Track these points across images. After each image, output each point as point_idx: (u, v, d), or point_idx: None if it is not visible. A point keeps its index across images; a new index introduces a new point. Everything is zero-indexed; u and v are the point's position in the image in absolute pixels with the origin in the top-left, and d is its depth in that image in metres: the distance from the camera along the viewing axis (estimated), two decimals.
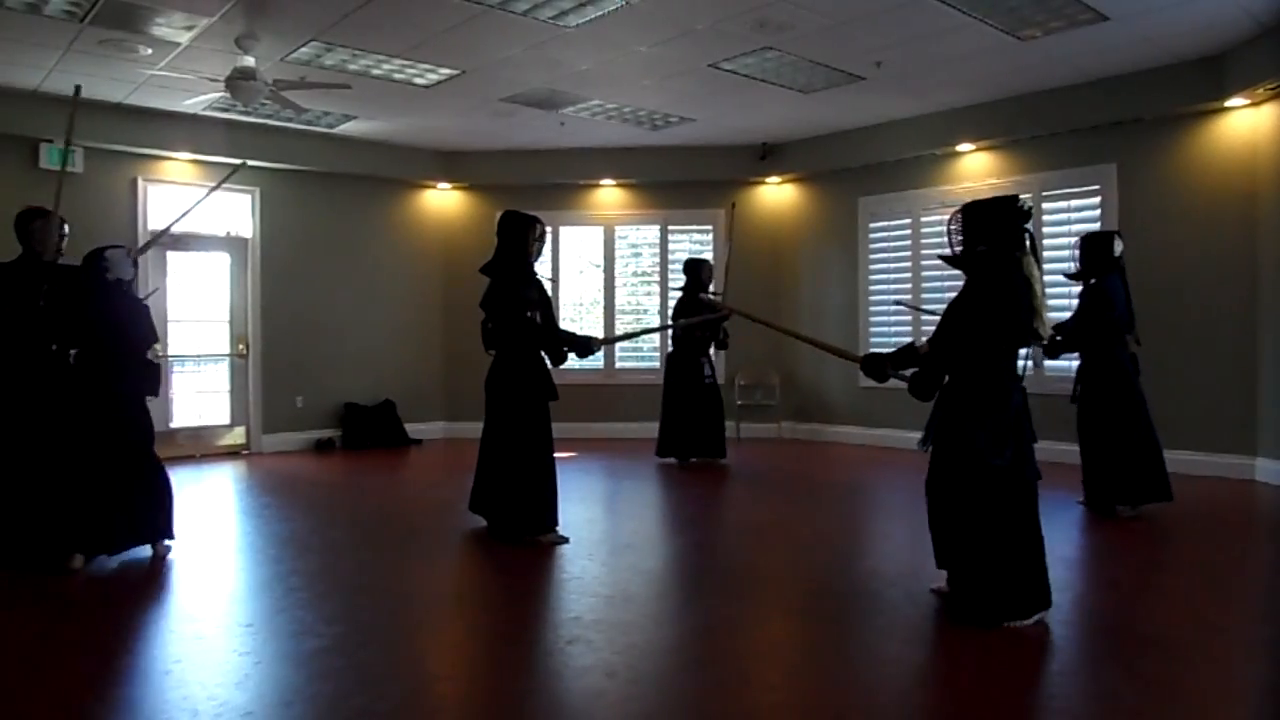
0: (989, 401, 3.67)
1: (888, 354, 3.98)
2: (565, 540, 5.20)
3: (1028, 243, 3.74)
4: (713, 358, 8.39)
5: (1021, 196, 3.93)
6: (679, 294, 8.46)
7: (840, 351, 4.57)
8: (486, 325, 5.55)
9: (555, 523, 5.29)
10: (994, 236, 3.72)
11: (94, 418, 4.71)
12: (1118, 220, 7.75)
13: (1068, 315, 6.04)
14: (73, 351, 4.89)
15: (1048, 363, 6.84)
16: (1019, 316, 3.67)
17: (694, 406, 8.14)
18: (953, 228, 3.86)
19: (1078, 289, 6.09)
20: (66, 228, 5.19)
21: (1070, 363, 6.21)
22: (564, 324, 10.66)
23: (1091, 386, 5.82)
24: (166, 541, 4.96)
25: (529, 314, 5.26)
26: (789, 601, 4.31)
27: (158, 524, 4.89)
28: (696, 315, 7.81)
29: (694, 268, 8.31)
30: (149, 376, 4.99)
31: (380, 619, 3.91)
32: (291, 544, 5.32)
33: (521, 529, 5.20)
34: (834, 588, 4.37)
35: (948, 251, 3.90)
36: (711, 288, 8.28)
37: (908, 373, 3.86)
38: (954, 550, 3.80)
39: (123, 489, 4.71)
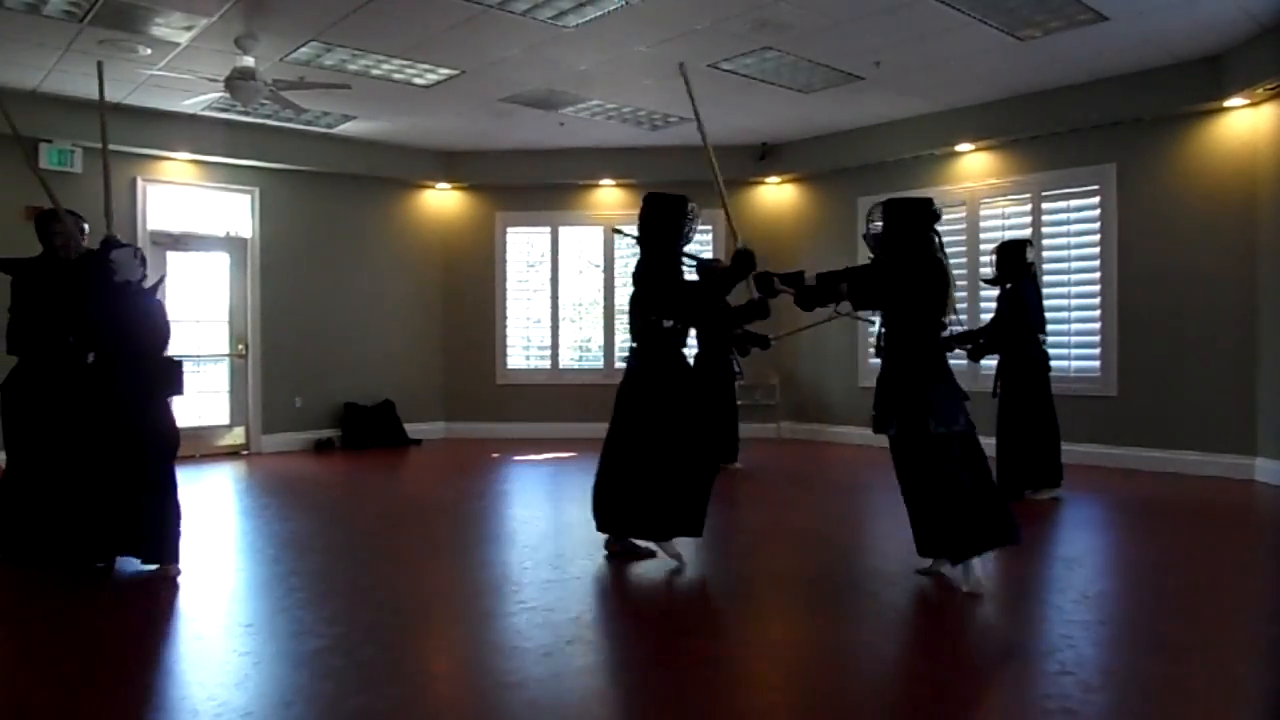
0: (936, 375, 4.15)
1: (777, 273, 4.64)
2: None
3: (937, 241, 4.27)
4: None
5: (932, 198, 4.61)
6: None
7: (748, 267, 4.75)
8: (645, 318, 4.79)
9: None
10: (912, 230, 4.28)
11: (100, 420, 4.56)
12: (1117, 220, 7.76)
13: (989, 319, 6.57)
14: (90, 353, 4.83)
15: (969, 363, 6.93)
16: (943, 284, 4.19)
17: (730, 406, 7.67)
18: (874, 220, 4.43)
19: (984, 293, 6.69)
20: (86, 226, 5.19)
21: (991, 361, 6.58)
22: (563, 324, 10.73)
23: (1010, 382, 6.29)
24: (169, 565, 4.51)
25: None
26: (790, 601, 4.31)
27: (145, 540, 4.49)
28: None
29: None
30: (169, 375, 4.72)
31: (380, 619, 3.91)
32: (291, 544, 5.32)
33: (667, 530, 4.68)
34: (835, 588, 4.37)
35: (874, 229, 4.42)
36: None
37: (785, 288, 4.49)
38: (924, 507, 4.19)
39: (118, 496, 4.49)
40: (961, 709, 2.97)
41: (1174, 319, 7.42)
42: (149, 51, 6.72)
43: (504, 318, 10.71)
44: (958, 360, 4.80)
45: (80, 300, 4.77)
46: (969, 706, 2.97)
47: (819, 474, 8.06)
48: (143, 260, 4.78)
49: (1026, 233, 8.11)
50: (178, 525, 4.56)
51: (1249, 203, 7.08)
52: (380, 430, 9.91)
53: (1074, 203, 8.10)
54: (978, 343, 6.19)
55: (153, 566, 4.53)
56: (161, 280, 4.78)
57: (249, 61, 6.49)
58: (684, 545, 4.85)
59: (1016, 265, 6.28)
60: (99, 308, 4.67)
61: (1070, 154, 8.07)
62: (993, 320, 6.41)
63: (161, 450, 4.60)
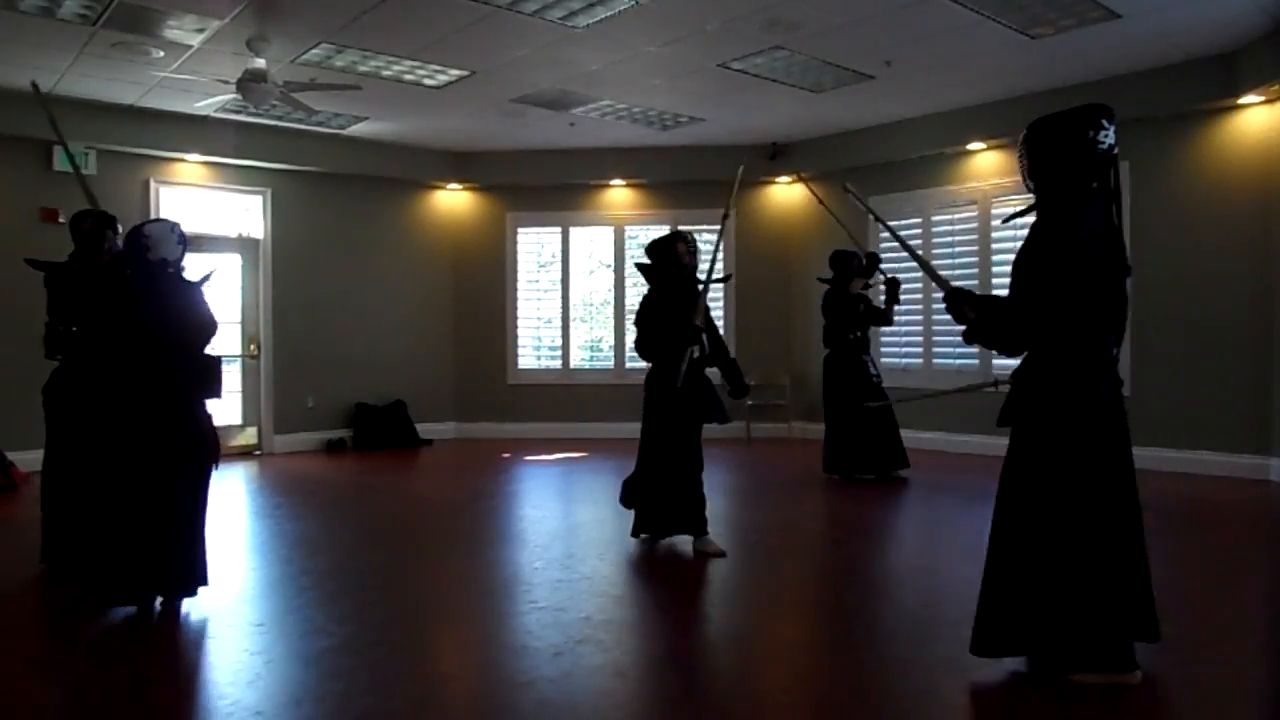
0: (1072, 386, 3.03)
1: (976, 295, 3.37)
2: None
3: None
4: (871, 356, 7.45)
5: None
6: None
7: (935, 275, 3.90)
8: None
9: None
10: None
11: (136, 430, 3.95)
12: (1130, 219, 7.68)
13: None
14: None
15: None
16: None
17: (869, 413, 6.92)
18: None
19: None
20: (119, 225, 5.17)
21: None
22: (574, 324, 10.74)
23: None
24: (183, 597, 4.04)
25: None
26: (800, 602, 4.30)
27: (172, 570, 3.93)
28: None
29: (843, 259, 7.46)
30: (207, 376, 4.12)
31: (391, 619, 3.92)
32: (303, 544, 5.34)
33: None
34: (843, 589, 4.36)
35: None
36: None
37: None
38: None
39: (152, 520, 3.92)
40: (968, 707, 2.95)
41: (1188, 318, 7.37)
42: (161, 54, 6.76)
43: (515, 318, 10.73)
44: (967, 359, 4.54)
45: (105, 292, 4.46)
46: (975, 705, 2.95)
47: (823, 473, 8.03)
48: (181, 239, 4.13)
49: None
50: (204, 552, 4.07)
51: (1264, 201, 7.02)
52: (392, 430, 9.94)
53: None
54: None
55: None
56: (211, 275, 4.20)
57: (260, 63, 6.51)
58: (689, 545, 4.84)
59: None
60: (132, 293, 4.04)
61: None
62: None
63: (198, 466, 4.06)
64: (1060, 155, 3.03)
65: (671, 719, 2.93)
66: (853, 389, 7.07)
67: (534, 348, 10.80)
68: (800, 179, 4.64)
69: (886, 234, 4.16)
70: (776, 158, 10.08)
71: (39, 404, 4.83)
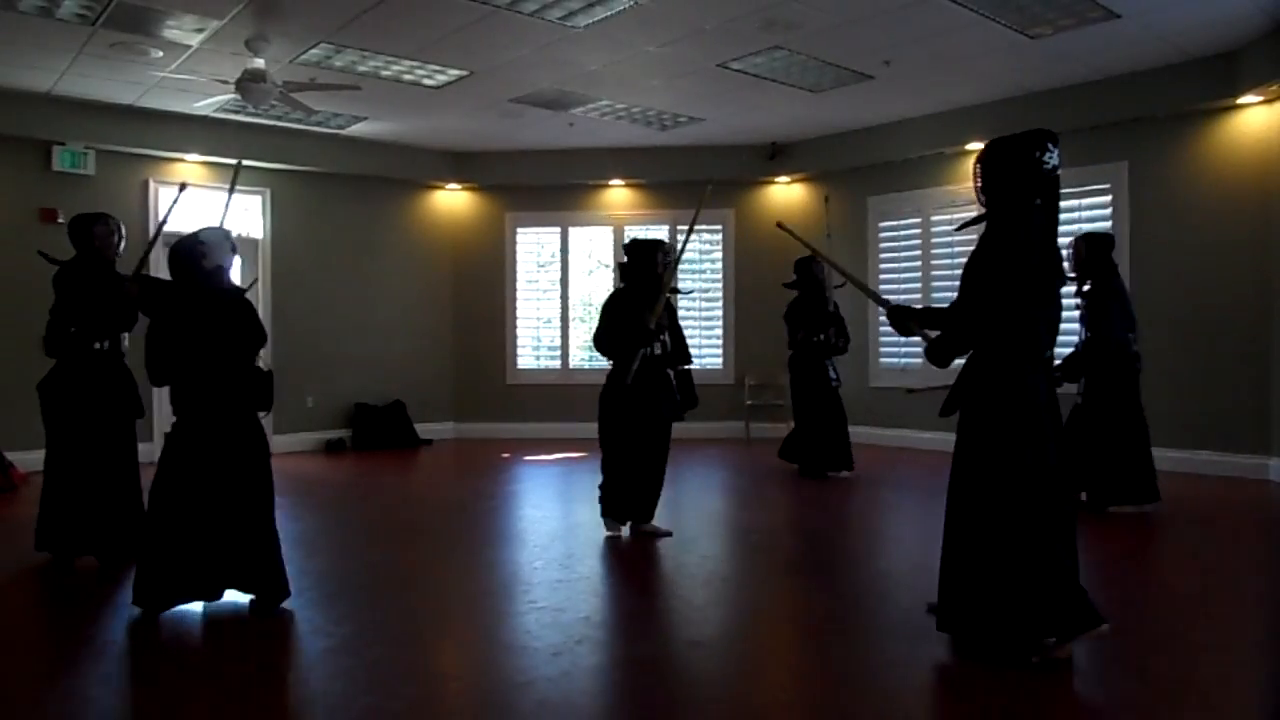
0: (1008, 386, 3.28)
1: (916, 309, 3.77)
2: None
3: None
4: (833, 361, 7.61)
5: None
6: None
7: (871, 293, 4.17)
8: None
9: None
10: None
11: (200, 451, 3.83)
12: (1129, 219, 7.71)
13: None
14: (102, 343, 4.75)
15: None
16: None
17: (827, 413, 7.39)
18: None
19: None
20: (124, 229, 5.24)
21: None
22: (573, 324, 10.73)
23: (1095, 386, 5.76)
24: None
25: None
26: (799, 602, 4.30)
27: (264, 578, 3.93)
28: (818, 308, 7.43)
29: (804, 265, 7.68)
30: (260, 389, 4.02)
31: (390, 619, 3.92)
32: (301, 544, 5.33)
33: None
34: (844, 589, 4.36)
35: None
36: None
37: (932, 333, 3.63)
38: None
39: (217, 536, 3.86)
40: (971, 707, 2.95)
41: (1187, 318, 7.37)
42: (160, 54, 6.76)
43: (514, 318, 10.73)
44: None
45: (122, 297, 4.69)
46: (978, 705, 2.95)
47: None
48: (233, 245, 4.10)
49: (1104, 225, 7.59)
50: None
51: (1263, 201, 7.03)
52: (391, 430, 9.94)
53: (1086, 201, 8.05)
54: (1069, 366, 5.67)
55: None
56: (254, 283, 4.21)
57: (259, 63, 6.51)
58: (694, 547, 4.83)
59: (1100, 261, 5.72)
60: (193, 306, 3.90)
61: (1082, 153, 8.01)
62: (1084, 341, 5.73)
63: (269, 478, 4.00)
64: (1010, 174, 3.33)
65: (671, 718, 2.93)
66: (815, 390, 7.42)
67: (533, 348, 10.80)
68: (780, 226, 4.84)
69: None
70: (776, 158, 10.08)
71: (37, 407, 4.88)
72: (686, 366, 5.52)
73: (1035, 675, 3.09)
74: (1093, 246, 5.83)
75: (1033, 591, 3.15)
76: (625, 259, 5.51)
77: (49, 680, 3.21)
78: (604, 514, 5.48)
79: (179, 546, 3.79)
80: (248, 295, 4.17)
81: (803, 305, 7.54)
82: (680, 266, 10.30)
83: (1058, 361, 5.24)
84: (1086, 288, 5.75)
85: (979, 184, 3.43)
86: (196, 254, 3.90)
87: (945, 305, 3.61)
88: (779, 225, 4.85)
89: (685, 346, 5.52)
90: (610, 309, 5.35)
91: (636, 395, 5.20)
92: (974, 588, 3.26)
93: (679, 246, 5.94)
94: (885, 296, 3.96)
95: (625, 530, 5.47)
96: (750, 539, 5.56)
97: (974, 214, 3.51)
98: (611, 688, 3.15)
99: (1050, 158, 3.35)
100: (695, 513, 6.52)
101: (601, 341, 5.34)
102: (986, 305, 3.25)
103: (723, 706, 3.00)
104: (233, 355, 3.89)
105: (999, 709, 2.89)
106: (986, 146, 3.45)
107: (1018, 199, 3.31)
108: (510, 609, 4.06)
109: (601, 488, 5.46)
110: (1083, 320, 5.79)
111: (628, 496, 5.37)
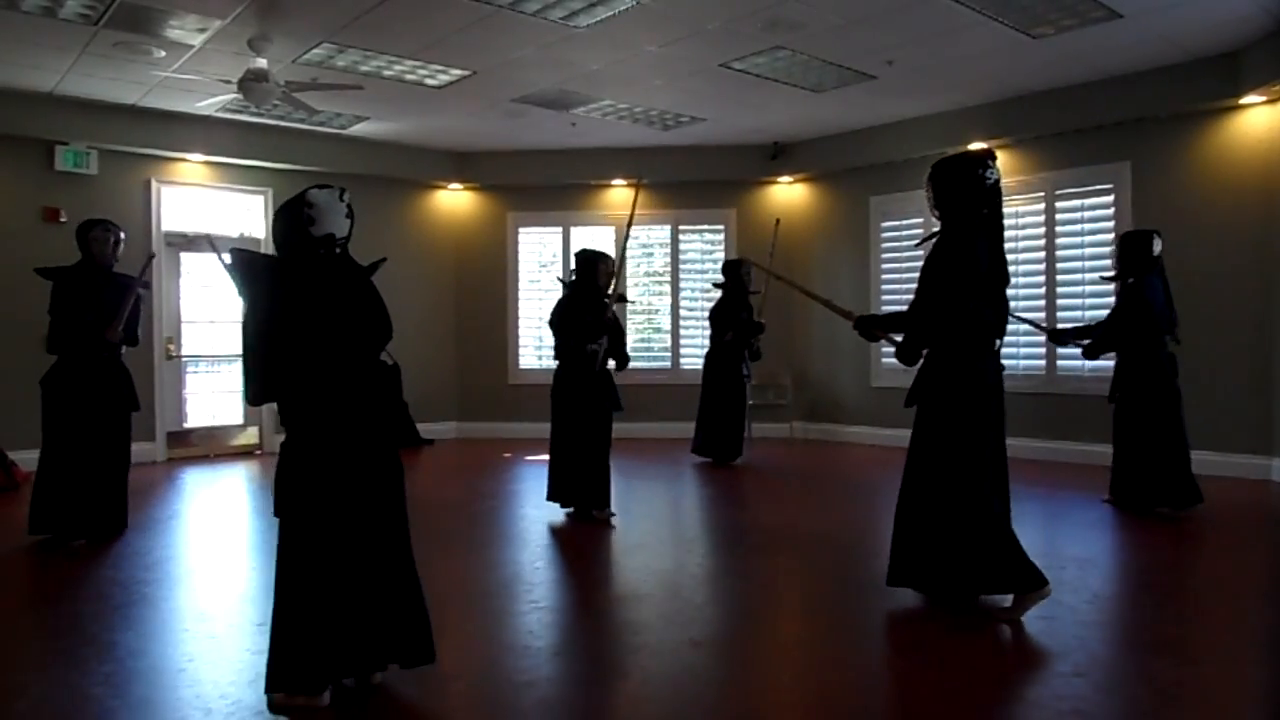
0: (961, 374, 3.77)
1: (879, 316, 4.26)
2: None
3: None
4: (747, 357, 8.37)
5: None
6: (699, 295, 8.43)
7: (836, 308, 4.50)
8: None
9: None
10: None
11: (341, 486, 2.96)
12: (1132, 219, 7.70)
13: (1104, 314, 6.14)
14: (124, 349, 5.08)
15: (1088, 363, 6.89)
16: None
17: (734, 405, 8.18)
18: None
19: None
20: (124, 234, 5.44)
21: (1107, 362, 6.25)
22: None
23: (1131, 387, 5.87)
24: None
25: None
26: (800, 601, 4.30)
27: (412, 637, 3.06)
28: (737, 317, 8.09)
29: (732, 268, 8.27)
30: (390, 388, 3.15)
31: None
32: None
33: None
34: (845, 588, 4.36)
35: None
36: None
37: (898, 337, 4.02)
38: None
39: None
40: (975, 711, 2.95)
41: (1190, 318, 7.33)
42: (163, 54, 6.76)
43: (516, 317, 10.73)
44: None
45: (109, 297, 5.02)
46: (982, 709, 2.95)
47: (832, 475, 8.03)
48: (350, 211, 3.21)
49: (1152, 227, 7.61)
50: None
51: (1266, 201, 7.02)
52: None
53: (1088, 201, 8.04)
54: (1095, 338, 5.93)
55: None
56: (384, 261, 3.43)
57: (262, 63, 6.52)
58: (695, 546, 4.83)
59: (1141, 258, 5.78)
60: (302, 283, 3.03)
61: (1084, 152, 8.02)
62: (1110, 315, 5.96)
63: (405, 522, 3.20)
64: (957, 188, 3.83)
65: (671, 718, 2.93)
66: (725, 383, 8.14)
67: (535, 348, 10.80)
68: (765, 268, 5.29)
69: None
70: (777, 157, 10.08)
71: (39, 404, 5.01)
72: (620, 368, 6.22)
73: (1034, 677, 3.08)
74: (1125, 244, 5.94)
75: (973, 547, 3.64)
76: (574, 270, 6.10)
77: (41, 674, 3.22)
78: (549, 498, 6.10)
79: (330, 617, 2.88)
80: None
81: (726, 307, 8.16)
82: (682, 266, 10.42)
83: (1086, 341, 5.90)
84: (1130, 281, 5.86)
85: (931, 199, 3.93)
86: (304, 218, 3.01)
87: (903, 309, 4.03)
88: (744, 259, 5.38)
89: (624, 350, 6.26)
90: (558, 315, 6.02)
91: (580, 390, 5.88)
92: (922, 545, 3.79)
93: (622, 253, 6.64)
94: (848, 309, 4.36)
95: (568, 512, 6.08)
96: (750, 538, 5.56)
97: (935, 230, 3.95)
98: (612, 687, 3.15)
99: (991, 173, 3.81)
100: (695, 513, 6.52)
101: (556, 345, 6.11)
102: (941, 305, 3.69)
103: (726, 706, 3.00)
104: (362, 348, 3.03)
105: (997, 712, 2.89)
106: (934, 166, 3.96)
107: (967, 210, 3.79)
108: (511, 608, 4.07)
109: (554, 478, 6.09)
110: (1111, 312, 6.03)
111: (573, 482, 5.95)
